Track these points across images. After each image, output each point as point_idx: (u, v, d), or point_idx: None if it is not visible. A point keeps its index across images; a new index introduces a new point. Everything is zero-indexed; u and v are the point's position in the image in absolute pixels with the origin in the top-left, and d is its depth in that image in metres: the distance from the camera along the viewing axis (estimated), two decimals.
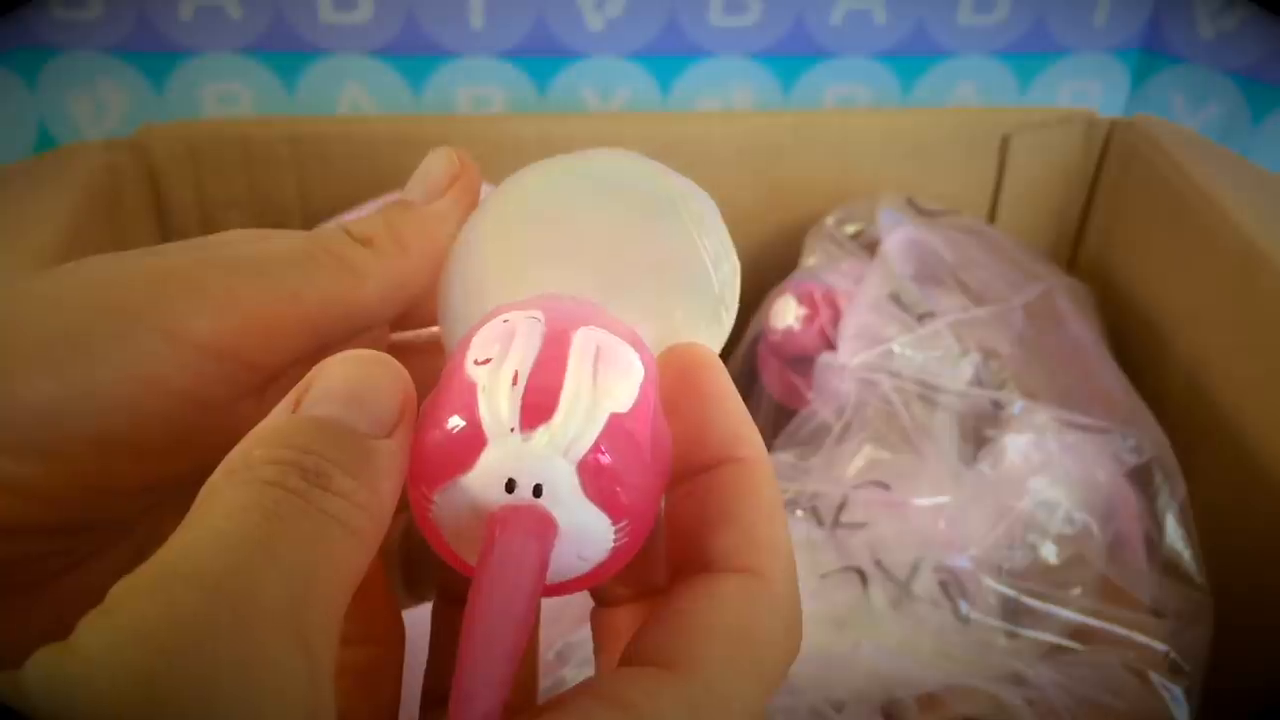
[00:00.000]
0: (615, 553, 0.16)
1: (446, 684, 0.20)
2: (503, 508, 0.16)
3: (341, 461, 0.15)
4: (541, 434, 0.16)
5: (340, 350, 0.18)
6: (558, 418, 0.16)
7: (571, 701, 0.15)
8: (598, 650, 0.19)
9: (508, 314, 0.17)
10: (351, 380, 0.16)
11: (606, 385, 0.16)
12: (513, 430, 0.16)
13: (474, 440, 0.16)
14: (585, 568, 0.16)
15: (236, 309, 0.17)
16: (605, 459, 0.16)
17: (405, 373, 0.16)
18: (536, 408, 0.16)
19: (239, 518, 0.13)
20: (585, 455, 0.16)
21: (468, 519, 0.16)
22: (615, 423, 0.16)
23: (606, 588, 0.19)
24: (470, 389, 0.16)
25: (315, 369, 0.16)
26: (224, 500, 0.14)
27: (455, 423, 0.16)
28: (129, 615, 0.12)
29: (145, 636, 0.12)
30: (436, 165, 0.20)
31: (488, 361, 0.16)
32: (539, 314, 0.17)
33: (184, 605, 0.12)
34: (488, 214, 0.21)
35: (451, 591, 0.20)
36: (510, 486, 0.16)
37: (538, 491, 0.16)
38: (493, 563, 0.15)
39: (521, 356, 0.16)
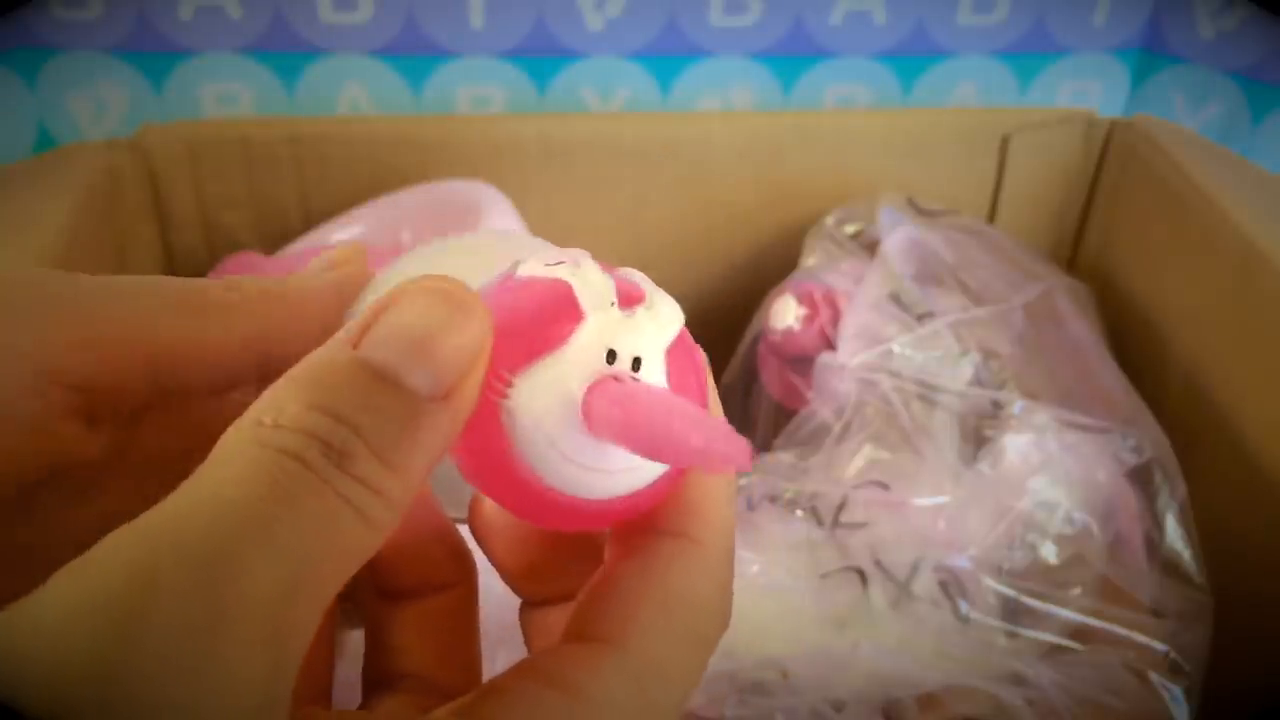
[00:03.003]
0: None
1: (384, 671, 0.20)
2: (615, 372, 0.15)
3: (375, 436, 0.14)
4: (641, 311, 0.15)
5: (191, 398, 0.18)
6: (650, 300, 0.16)
7: (516, 685, 0.15)
8: (529, 648, 0.19)
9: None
10: (424, 322, 0.14)
11: (670, 300, 0.16)
12: (613, 304, 0.15)
13: (569, 314, 0.15)
14: (654, 472, 0.16)
15: (69, 324, 0.17)
16: (688, 347, 0.16)
17: (488, 317, 0.15)
18: (629, 292, 0.16)
19: (247, 487, 0.13)
20: (672, 343, 0.16)
21: (555, 401, 0.15)
22: (684, 331, 0.16)
23: (538, 589, 0.19)
24: (555, 278, 0.15)
25: (394, 293, 0.15)
26: (238, 462, 0.13)
27: (544, 298, 0.15)
28: (102, 578, 0.12)
29: (112, 614, 0.11)
30: (328, 253, 0.20)
31: (559, 264, 0.16)
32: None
33: (164, 587, 0.12)
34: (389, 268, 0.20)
35: (383, 585, 0.20)
36: (611, 358, 0.15)
37: (636, 365, 0.15)
38: (641, 387, 0.15)
39: (593, 263, 0.16)
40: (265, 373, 0.19)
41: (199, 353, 0.18)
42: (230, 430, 0.14)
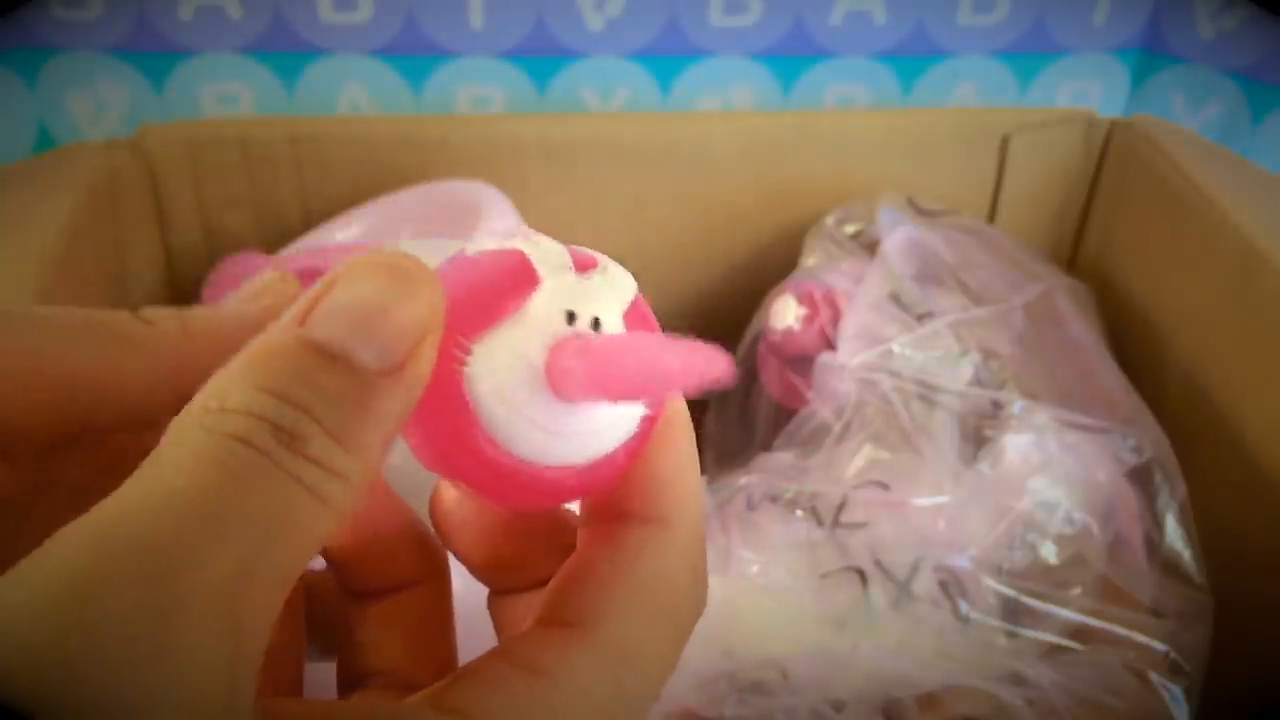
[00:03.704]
0: (641, 426, 0.16)
1: (358, 670, 0.19)
2: (575, 331, 0.15)
3: (326, 415, 0.13)
4: (596, 275, 0.16)
5: (109, 432, 0.17)
6: (604, 265, 0.16)
7: (487, 669, 0.15)
8: (499, 636, 0.19)
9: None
10: (370, 296, 0.14)
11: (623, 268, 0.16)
12: (568, 268, 0.15)
13: (525, 278, 0.15)
14: (616, 436, 0.16)
15: None
16: (644, 313, 0.16)
17: (439, 288, 0.14)
18: (583, 259, 0.16)
19: (197, 475, 0.12)
20: (629, 304, 0.16)
21: (517, 364, 0.15)
22: (640, 298, 0.16)
23: (505, 579, 0.19)
24: (509, 249, 0.15)
25: (339, 269, 0.14)
26: (186, 449, 0.13)
27: (499, 265, 0.15)
28: (57, 568, 0.12)
29: (68, 603, 0.11)
30: (256, 281, 0.19)
31: (512, 239, 0.16)
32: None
33: (117, 575, 0.11)
34: None
35: (351, 585, 0.20)
36: (571, 319, 0.15)
37: (595, 326, 0.15)
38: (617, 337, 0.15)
39: (546, 236, 0.16)
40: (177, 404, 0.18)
41: (110, 388, 0.17)
42: (177, 418, 0.13)
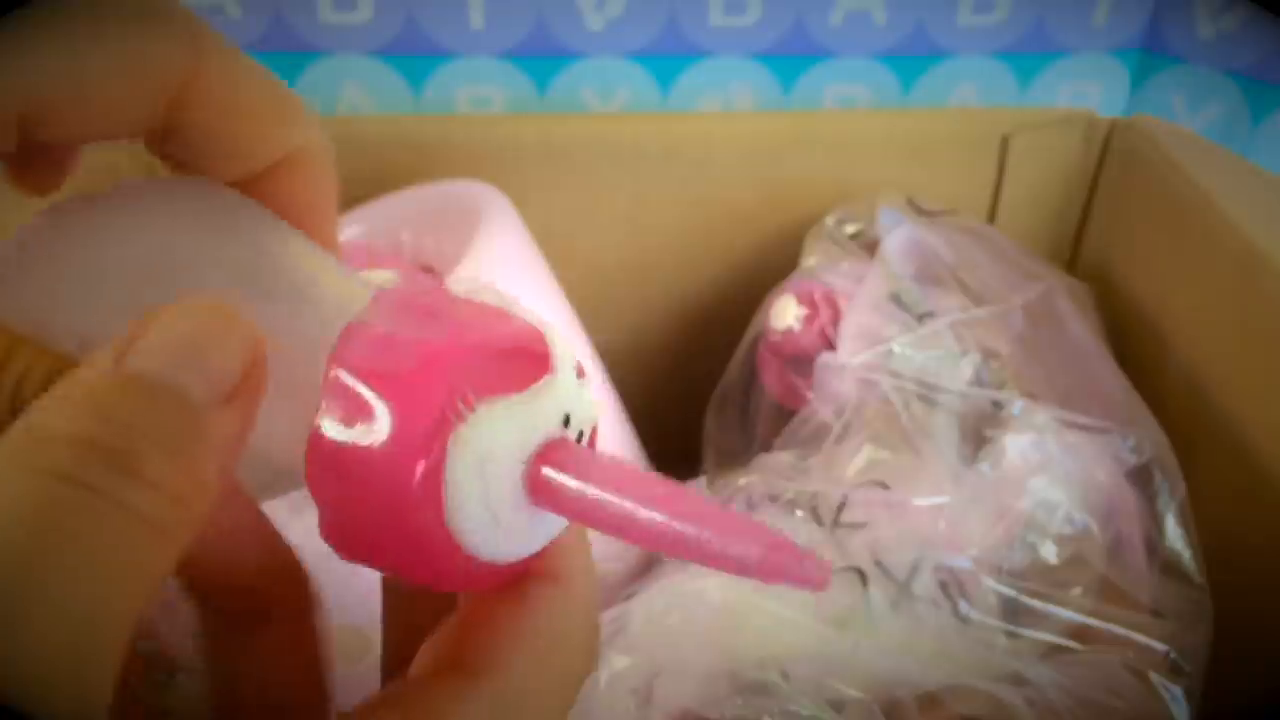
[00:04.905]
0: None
1: (401, 656, 0.19)
2: (566, 439, 0.14)
3: (160, 438, 0.13)
4: (588, 386, 0.15)
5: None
6: (589, 380, 0.15)
7: (377, 713, 0.15)
8: (386, 616, 0.19)
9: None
10: (187, 332, 0.13)
11: None
12: (575, 371, 0.15)
13: (541, 362, 0.14)
14: (548, 536, 0.16)
15: None
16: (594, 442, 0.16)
17: (255, 328, 0.14)
18: (580, 366, 0.15)
19: (11, 526, 0.11)
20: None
21: (510, 443, 0.14)
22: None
23: None
24: (533, 323, 0.14)
25: (145, 318, 0.14)
26: (4, 496, 0.12)
27: (523, 339, 0.14)
28: None
29: None
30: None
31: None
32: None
33: None
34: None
35: (204, 606, 0.19)
36: (567, 422, 0.15)
37: (580, 438, 0.15)
38: (624, 470, 0.14)
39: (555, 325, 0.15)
40: None
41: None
42: None
